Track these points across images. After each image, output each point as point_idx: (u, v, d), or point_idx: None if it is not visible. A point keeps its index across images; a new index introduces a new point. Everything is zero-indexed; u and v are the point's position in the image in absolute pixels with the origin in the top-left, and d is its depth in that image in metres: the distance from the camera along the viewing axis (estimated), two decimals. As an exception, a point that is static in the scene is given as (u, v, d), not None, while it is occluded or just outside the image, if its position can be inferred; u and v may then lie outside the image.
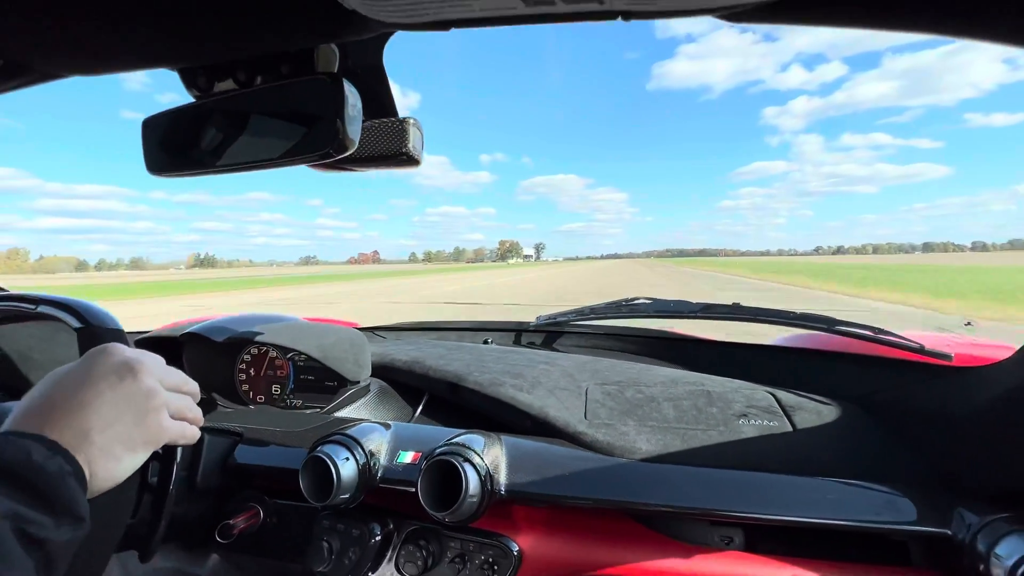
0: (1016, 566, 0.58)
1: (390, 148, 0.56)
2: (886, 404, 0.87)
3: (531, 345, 1.46)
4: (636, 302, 1.31)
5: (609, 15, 0.30)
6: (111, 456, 0.48)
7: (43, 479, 0.41)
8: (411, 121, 0.56)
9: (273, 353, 1.15)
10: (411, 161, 0.57)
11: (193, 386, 0.59)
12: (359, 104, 0.41)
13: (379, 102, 0.56)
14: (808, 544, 0.74)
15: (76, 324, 0.61)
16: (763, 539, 0.76)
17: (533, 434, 0.90)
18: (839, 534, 0.72)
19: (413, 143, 0.57)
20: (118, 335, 0.62)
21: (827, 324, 0.99)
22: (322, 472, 0.76)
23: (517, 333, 1.52)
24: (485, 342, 1.47)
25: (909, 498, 0.69)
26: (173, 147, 0.51)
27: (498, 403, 0.98)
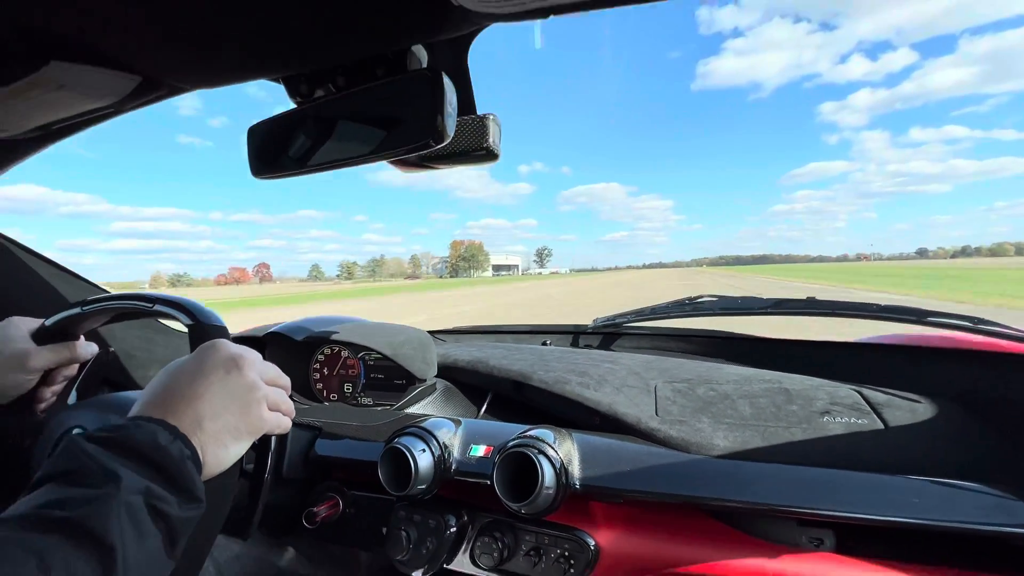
0: None
1: (471, 144, 0.58)
2: (990, 401, 0.80)
3: (588, 347, 1.45)
4: (700, 300, 1.27)
5: None
6: (220, 443, 0.52)
7: (168, 460, 0.45)
8: (491, 117, 0.58)
9: (345, 352, 1.21)
10: (490, 156, 0.59)
11: (286, 380, 0.64)
12: (455, 99, 0.43)
13: (461, 99, 0.58)
14: (907, 547, 0.69)
15: (188, 321, 0.66)
16: (857, 542, 0.71)
17: (603, 431, 0.89)
18: (942, 538, 0.66)
19: (493, 138, 0.59)
20: (223, 332, 0.68)
21: (917, 316, 0.93)
22: (400, 463, 0.79)
23: (575, 335, 1.51)
24: (543, 344, 1.47)
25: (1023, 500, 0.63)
26: (273, 151, 0.56)
27: (565, 400, 0.98)
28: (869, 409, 0.82)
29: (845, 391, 0.88)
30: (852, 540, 0.72)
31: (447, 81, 0.42)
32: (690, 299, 1.29)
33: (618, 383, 0.99)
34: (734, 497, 0.69)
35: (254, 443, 0.77)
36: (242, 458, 0.77)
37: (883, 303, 0.98)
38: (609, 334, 1.45)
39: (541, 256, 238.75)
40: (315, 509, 0.88)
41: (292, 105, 0.56)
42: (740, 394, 0.90)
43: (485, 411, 1.14)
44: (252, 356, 0.59)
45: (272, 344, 1.15)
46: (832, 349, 1.09)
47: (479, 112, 0.59)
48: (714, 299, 1.25)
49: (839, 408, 0.83)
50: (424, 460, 0.79)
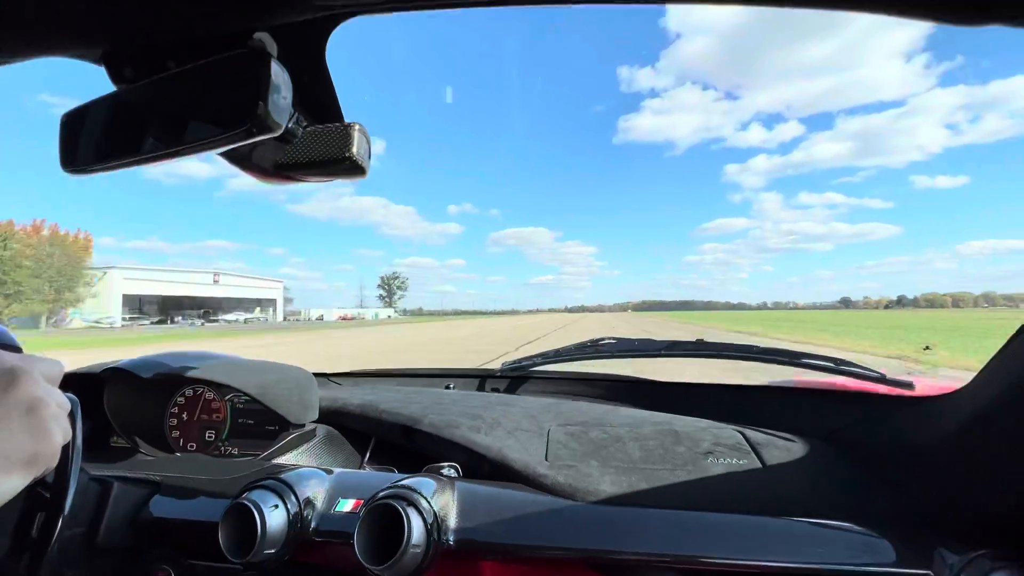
0: None
1: (333, 153, 0.53)
2: (854, 438, 0.84)
3: (495, 391, 1.40)
4: (602, 342, 1.28)
5: None
6: None
7: None
8: (356, 126, 0.54)
9: (210, 394, 1.05)
10: (356, 169, 0.54)
11: (67, 404, 0.52)
12: (289, 85, 0.39)
13: (322, 105, 0.54)
14: None
15: None
16: None
17: (491, 478, 0.83)
18: None
19: (358, 149, 0.54)
20: (11, 348, 0.54)
21: (790, 358, 0.98)
22: (245, 523, 0.66)
23: (481, 379, 1.46)
24: (447, 387, 1.40)
25: (887, 538, 0.65)
26: (85, 142, 0.47)
27: (454, 446, 0.91)
28: (749, 449, 0.83)
29: (729, 432, 0.89)
30: None
31: (277, 65, 0.38)
32: (592, 342, 1.30)
33: (511, 426, 0.94)
34: (614, 548, 0.65)
35: (44, 499, 0.61)
36: (28, 521, 0.62)
37: (762, 346, 1.03)
38: (516, 378, 1.42)
39: (389, 287, 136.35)
40: None
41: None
42: (632, 436, 0.88)
43: (369, 459, 1.04)
44: (34, 367, 0.47)
45: (113, 383, 0.98)
46: (720, 390, 1.12)
47: (347, 121, 0.55)
48: (614, 341, 1.26)
49: (722, 448, 0.83)
50: (276, 519, 0.68)
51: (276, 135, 0.40)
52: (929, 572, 0.61)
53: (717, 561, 0.64)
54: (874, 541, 0.65)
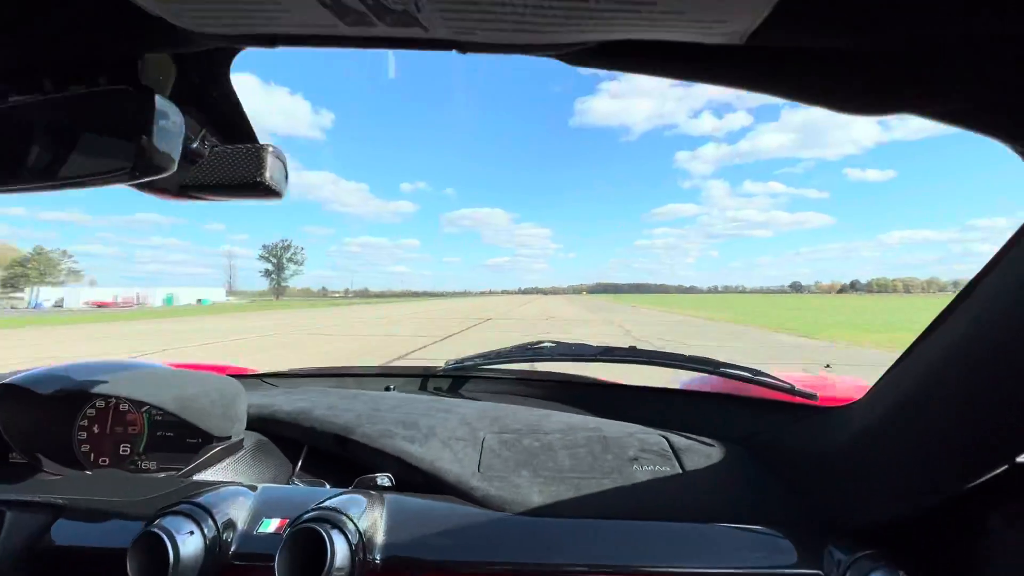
0: None
1: (245, 176, 0.50)
2: (764, 444, 0.91)
3: (437, 391, 1.40)
4: (540, 345, 1.30)
5: (441, 44, 0.29)
6: None
7: None
8: (270, 148, 0.51)
9: (124, 405, 0.99)
10: (270, 192, 0.52)
11: None
12: (179, 120, 0.36)
13: (232, 126, 0.50)
14: None
15: None
16: None
17: (424, 490, 0.83)
18: None
19: (272, 173, 0.52)
20: None
21: (712, 367, 1.04)
22: (156, 553, 0.63)
23: (423, 379, 1.45)
24: (387, 388, 1.38)
25: (789, 539, 0.71)
26: None
27: (388, 456, 0.90)
28: (672, 455, 0.88)
29: (655, 437, 0.93)
30: None
31: (163, 101, 0.35)
32: (531, 344, 1.32)
33: (447, 435, 0.94)
34: (538, 560, 0.67)
35: None
36: None
37: (688, 354, 1.08)
38: (458, 377, 1.42)
39: (279, 260, 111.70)
40: None
41: None
42: (563, 444, 0.91)
43: (301, 468, 1.01)
44: None
45: (7, 401, 0.89)
46: (651, 393, 1.18)
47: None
48: (552, 344, 1.29)
49: (647, 455, 0.88)
50: (190, 546, 0.65)
51: (165, 175, 0.37)
52: (820, 571, 0.67)
53: (632, 568, 0.67)
54: (777, 541, 0.71)
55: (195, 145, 0.47)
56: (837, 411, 0.80)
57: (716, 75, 0.31)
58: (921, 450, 0.62)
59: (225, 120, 0.49)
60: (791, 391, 0.95)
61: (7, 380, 0.86)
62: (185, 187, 0.53)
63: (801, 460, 0.83)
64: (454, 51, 0.29)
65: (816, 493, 0.77)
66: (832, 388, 1.03)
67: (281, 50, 0.49)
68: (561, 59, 0.31)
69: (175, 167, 0.37)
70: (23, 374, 0.88)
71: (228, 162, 0.50)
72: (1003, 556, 0.60)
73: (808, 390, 0.94)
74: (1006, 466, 0.55)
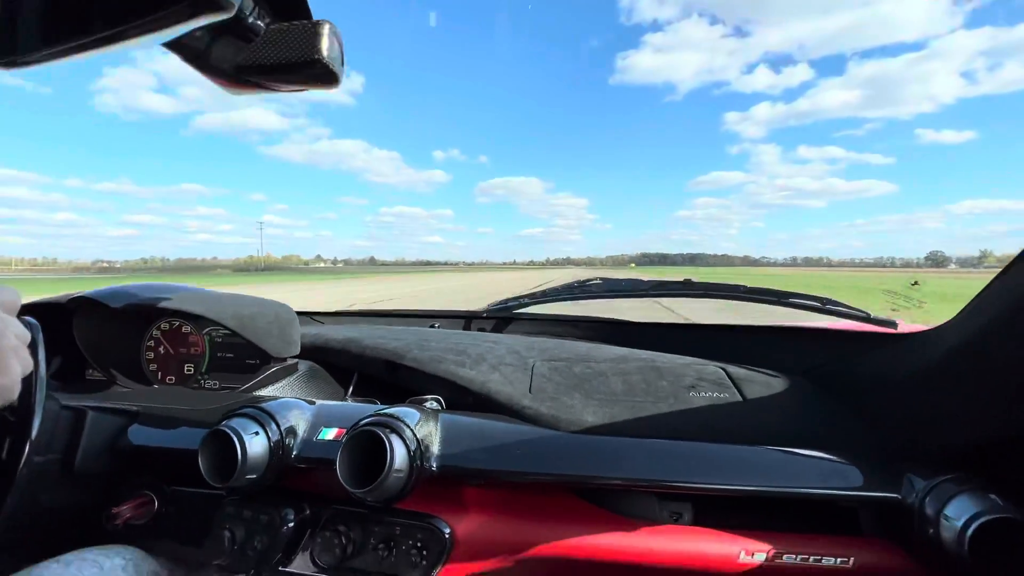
0: (966, 526, 0.56)
1: (301, 55, 0.47)
2: (834, 374, 0.86)
3: (482, 331, 1.39)
4: (590, 283, 1.27)
5: None
6: None
7: None
8: (327, 25, 0.48)
9: (187, 327, 1.02)
10: (328, 75, 0.49)
11: (27, 335, 0.49)
12: None
13: (287, 1, 0.47)
14: (757, 516, 0.70)
15: None
16: (712, 513, 0.72)
17: (475, 410, 0.83)
18: (789, 505, 0.68)
19: (328, 51, 0.49)
20: None
21: (777, 297, 0.98)
22: (225, 449, 0.66)
23: (467, 320, 1.45)
24: (431, 327, 1.39)
25: (857, 465, 0.67)
26: (30, 23, 0.41)
27: (437, 380, 0.90)
28: (731, 383, 0.84)
29: (712, 368, 0.89)
30: (709, 512, 0.72)
31: None
32: (580, 282, 1.28)
33: (495, 361, 0.93)
34: (595, 474, 0.66)
35: (8, 422, 0.60)
36: None
37: (749, 285, 1.02)
38: (502, 318, 1.41)
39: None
40: (116, 510, 0.72)
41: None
42: (615, 371, 0.89)
43: (352, 393, 1.03)
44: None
45: (81, 314, 0.94)
46: (704, 330, 1.13)
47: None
48: (601, 282, 1.25)
49: (705, 383, 0.84)
50: (256, 445, 0.67)
51: (228, 16, 0.34)
52: (898, 495, 0.63)
53: (693, 485, 0.65)
54: (843, 467, 0.67)
55: (250, 19, 0.45)
56: (922, 336, 0.73)
57: None
58: (1015, 372, 0.56)
59: (281, -5, 0.46)
60: (867, 319, 0.88)
61: (82, 294, 0.90)
62: (241, 68, 0.51)
63: (874, 388, 0.77)
64: None
65: (892, 420, 0.72)
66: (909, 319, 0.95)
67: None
68: None
69: (234, 9, 0.34)
70: (94, 290, 0.92)
71: (285, 40, 0.48)
72: None
73: (886, 318, 0.87)
74: None
